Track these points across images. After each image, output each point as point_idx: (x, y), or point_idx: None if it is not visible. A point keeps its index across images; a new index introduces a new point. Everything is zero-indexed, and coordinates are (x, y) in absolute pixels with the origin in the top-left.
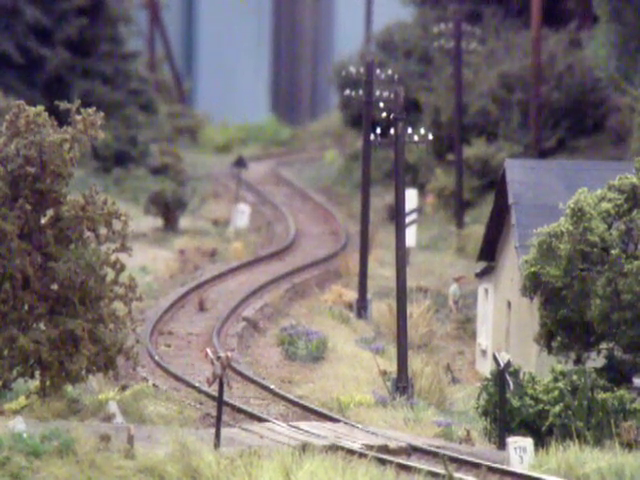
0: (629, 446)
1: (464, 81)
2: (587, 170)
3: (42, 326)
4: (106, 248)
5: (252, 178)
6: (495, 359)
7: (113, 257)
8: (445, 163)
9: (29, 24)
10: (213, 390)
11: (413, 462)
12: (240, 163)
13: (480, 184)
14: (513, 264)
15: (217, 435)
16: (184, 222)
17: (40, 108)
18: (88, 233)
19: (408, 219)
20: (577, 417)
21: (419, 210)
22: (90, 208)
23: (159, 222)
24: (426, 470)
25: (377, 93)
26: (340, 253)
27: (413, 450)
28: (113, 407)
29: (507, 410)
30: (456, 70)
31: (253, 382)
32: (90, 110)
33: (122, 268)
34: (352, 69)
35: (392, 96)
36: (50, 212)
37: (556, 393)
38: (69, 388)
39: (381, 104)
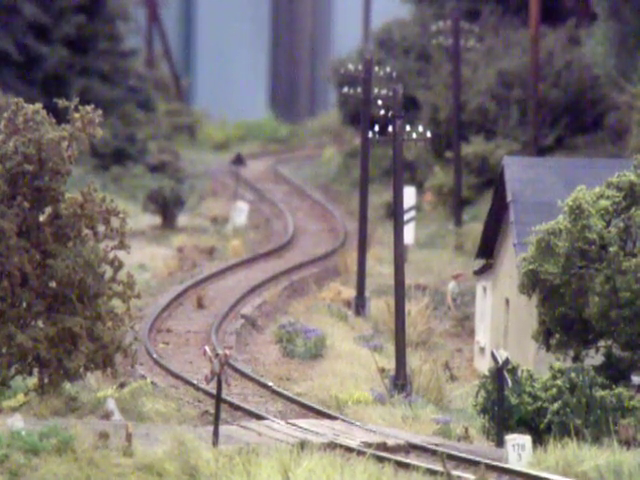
0: (627, 444)
1: (462, 79)
2: (585, 167)
3: (40, 324)
4: (104, 246)
5: (250, 176)
6: (493, 357)
7: (111, 255)
8: (443, 161)
9: (27, 22)
10: (211, 388)
11: (411, 460)
12: (238, 161)
13: (478, 182)
14: (511, 262)
15: (215, 433)
16: (182, 220)
17: (38, 106)
18: (86, 231)
19: (406, 217)
20: (575, 415)
21: (417, 208)
22: (88, 206)
23: (157, 220)
24: (424, 468)
25: (375, 91)
26: (338, 251)
27: (411, 448)
28: (111, 405)
29: (505, 408)
30: (454, 68)
31: (251, 380)
32: (88, 108)
33: (120, 266)
34: (350, 67)
35: (390, 94)
36: (48, 210)
37: (554, 391)
38: (67, 386)
39: (379, 102)
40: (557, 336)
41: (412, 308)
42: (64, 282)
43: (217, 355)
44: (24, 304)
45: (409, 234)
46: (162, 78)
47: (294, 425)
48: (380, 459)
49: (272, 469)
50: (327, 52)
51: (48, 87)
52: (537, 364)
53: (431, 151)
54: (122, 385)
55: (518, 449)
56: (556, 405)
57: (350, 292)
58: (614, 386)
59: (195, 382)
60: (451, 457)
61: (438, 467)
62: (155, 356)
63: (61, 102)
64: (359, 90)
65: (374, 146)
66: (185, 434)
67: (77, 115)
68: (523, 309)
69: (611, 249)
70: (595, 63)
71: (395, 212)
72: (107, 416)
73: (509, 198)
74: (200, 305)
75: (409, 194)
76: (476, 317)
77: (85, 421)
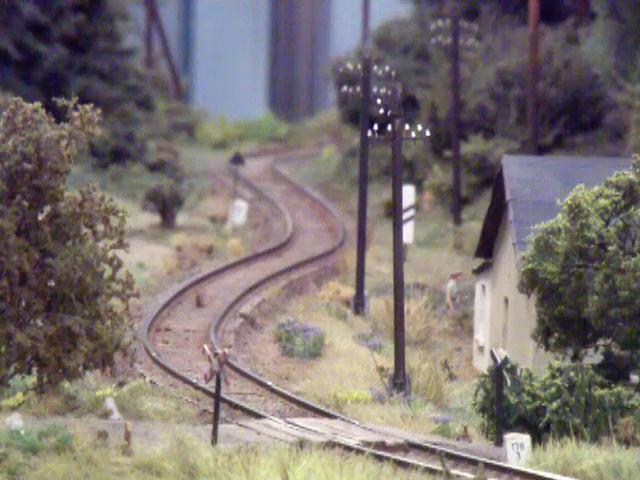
0: (626, 442)
1: (461, 77)
2: (584, 166)
3: (39, 322)
4: (103, 245)
5: (249, 175)
6: (492, 356)
7: (110, 254)
8: (442, 159)
9: (26, 20)
10: (210, 387)
11: (410, 459)
12: (237, 160)
13: (477, 181)
14: (510, 260)
15: (214, 431)
16: (181, 219)
17: (37, 105)
18: (85, 229)
19: (405, 216)
20: (574, 413)
21: (416, 207)
22: (87, 204)
23: (156, 219)
24: (423, 467)
25: (374, 90)
26: (337, 249)
27: (410, 447)
28: (110, 403)
29: (504, 407)
30: (453, 67)
31: (250, 378)
32: (87, 107)
33: (119, 264)
34: (349, 66)
35: (389, 93)
36: (47, 209)
37: (553, 389)
38: (66, 384)
39: (378, 101)
40: (556, 335)
41: (411, 307)
42: (63, 281)
43: (216, 354)
44: (23, 303)
45: (408, 233)
46: (161, 77)
47: (293, 424)
48: (379, 458)
49: (271, 468)
50: (326, 51)
51: (47, 86)
52: (536, 363)
53: (430, 150)
54: (121, 384)
55: (517, 448)
56: (555, 404)
57: (349, 291)
58: (613, 385)
59: (194, 381)
60: (450, 456)
61: (437, 466)
62: (154, 355)
63: (60, 101)
64: (358, 89)
65: (373, 145)
66: (184, 433)
67: (76, 114)
68: (522, 308)
69: (610, 248)
70: (594, 62)
71: (394, 211)
72: (106, 415)
73: (508, 197)
74: (199, 304)
75: (408, 193)
76: (475, 316)
77: (84, 420)
